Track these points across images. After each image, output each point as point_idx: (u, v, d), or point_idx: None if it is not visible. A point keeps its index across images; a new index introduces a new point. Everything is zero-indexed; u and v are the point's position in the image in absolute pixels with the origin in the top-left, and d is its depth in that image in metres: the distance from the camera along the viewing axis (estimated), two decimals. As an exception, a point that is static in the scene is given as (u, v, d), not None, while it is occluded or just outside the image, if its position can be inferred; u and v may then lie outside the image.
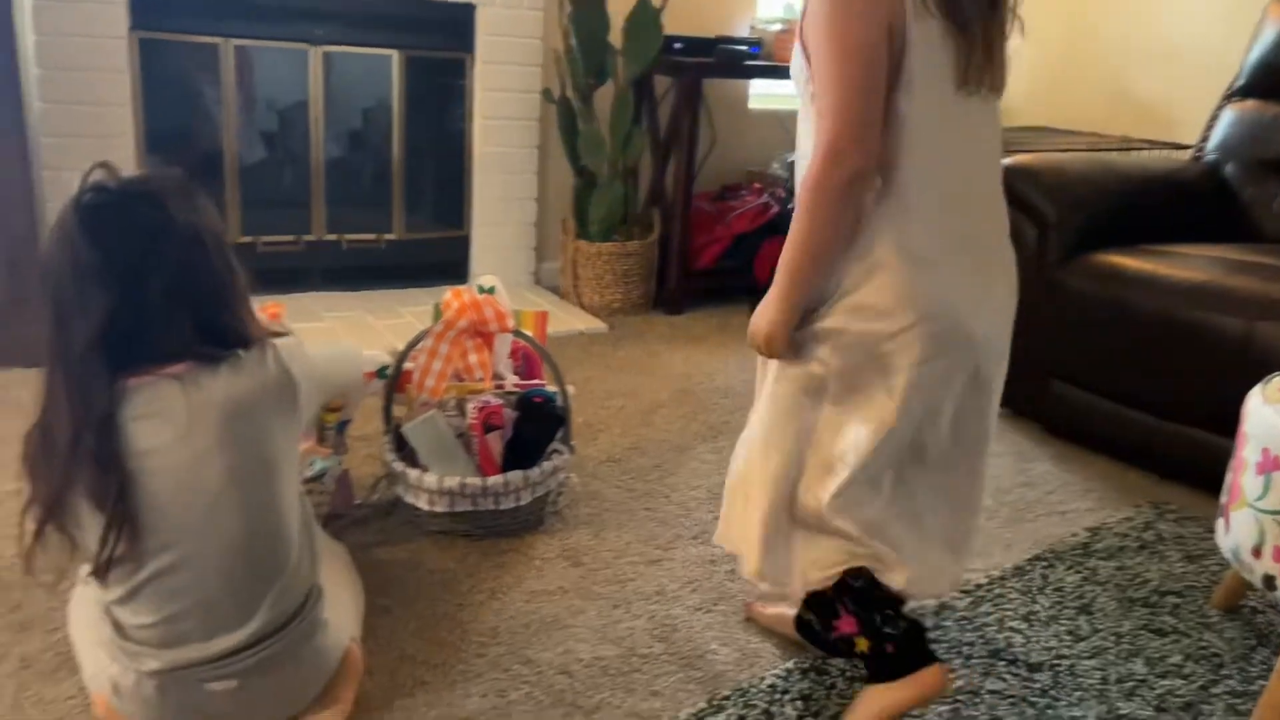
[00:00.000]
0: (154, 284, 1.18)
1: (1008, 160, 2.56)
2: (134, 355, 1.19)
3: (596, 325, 3.15)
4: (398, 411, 1.93)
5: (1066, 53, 3.73)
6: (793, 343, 1.31)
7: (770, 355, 1.34)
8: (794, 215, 1.26)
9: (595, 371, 2.76)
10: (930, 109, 1.23)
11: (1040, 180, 2.49)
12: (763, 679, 1.51)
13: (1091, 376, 2.38)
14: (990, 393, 1.38)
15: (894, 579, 1.35)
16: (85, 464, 1.16)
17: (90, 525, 1.18)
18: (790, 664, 1.54)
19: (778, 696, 1.47)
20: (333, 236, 3.17)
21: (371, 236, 3.24)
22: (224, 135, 2.97)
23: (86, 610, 1.34)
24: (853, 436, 1.30)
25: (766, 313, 1.31)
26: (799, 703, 1.46)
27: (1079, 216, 2.45)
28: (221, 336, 1.24)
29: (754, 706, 1.44)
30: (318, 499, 1.77)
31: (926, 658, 1.35)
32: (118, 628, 1.24)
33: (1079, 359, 2.40)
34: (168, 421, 1.19)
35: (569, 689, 1.47)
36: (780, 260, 1.29)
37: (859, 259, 1.27)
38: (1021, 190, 2.49)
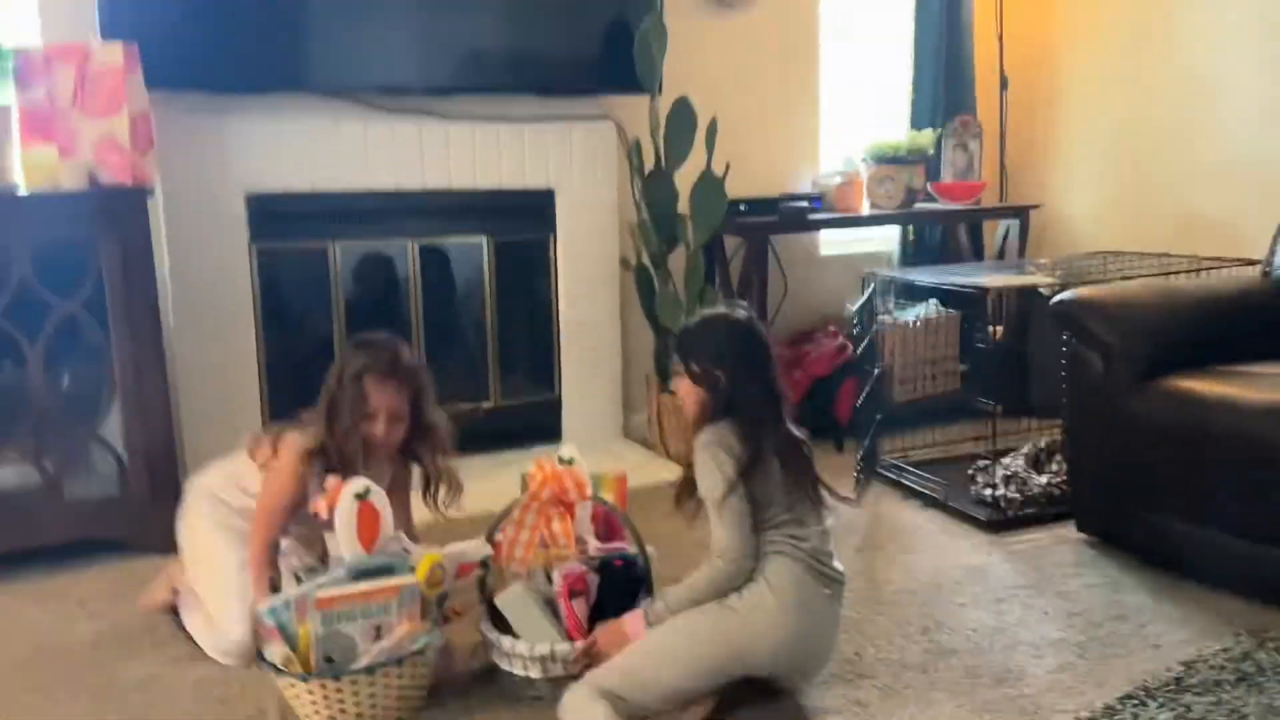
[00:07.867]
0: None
1: (1071, 294, 2.63)
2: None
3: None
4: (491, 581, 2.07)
5: (1132, 176, 3.81)
6: None
7: None
8: None
9: (681, 524, 2.84)
10: None
11: (1103, 312, 2.54)
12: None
13: (1180, 503, 2.37)
14: None
15: None
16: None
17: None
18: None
19: None
20: (435, 408, 3.39)
21: (471, 406, 3.46)
22: (334, 325, 3.27)
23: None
24: None
25: None
26: None
27: (1146, 344, 2.48)
28: None
29: None
30: (423, 670, 1.90)
31: None
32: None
33: (1164, 486, 2.40)
34: None
35: None
36: None
37: None
38: (1085, 322, 2.55)
